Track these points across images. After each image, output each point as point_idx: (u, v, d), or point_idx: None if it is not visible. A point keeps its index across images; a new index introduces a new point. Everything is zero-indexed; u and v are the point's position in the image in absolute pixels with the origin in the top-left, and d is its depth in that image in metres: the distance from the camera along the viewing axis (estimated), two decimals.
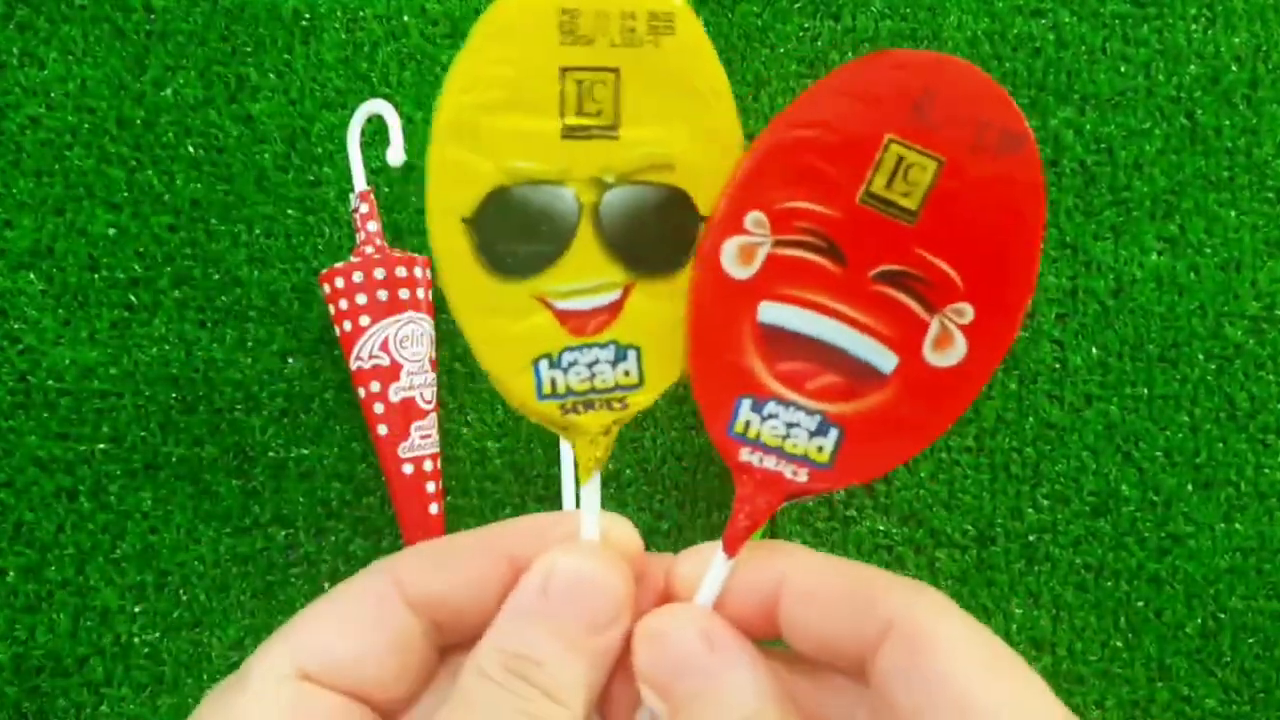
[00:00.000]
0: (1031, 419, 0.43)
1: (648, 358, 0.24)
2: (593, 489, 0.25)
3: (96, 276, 0.43)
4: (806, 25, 0.45)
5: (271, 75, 0.44)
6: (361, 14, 0.45)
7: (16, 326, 0.43)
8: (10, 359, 0.43)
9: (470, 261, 0.23)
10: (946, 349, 0.24)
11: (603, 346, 0.24)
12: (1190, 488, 0.43)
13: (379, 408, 0.39)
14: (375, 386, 0.39)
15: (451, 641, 0.24)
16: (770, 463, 0.24)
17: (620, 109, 0.23)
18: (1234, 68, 0.45)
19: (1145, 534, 0.43)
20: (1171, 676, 0.43)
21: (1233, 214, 0.45)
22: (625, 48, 0.23)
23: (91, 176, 0.43)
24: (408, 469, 0.39)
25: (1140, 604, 0.43)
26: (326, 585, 0.42)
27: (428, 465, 0.40)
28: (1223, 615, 0.43)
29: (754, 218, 0.23)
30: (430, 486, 0.40)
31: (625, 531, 0.25)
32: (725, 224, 0.24)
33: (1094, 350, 0.44)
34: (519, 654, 0.22)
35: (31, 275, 0.43)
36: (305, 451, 0.42)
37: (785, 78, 0.45)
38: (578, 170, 0.23)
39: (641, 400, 0.25)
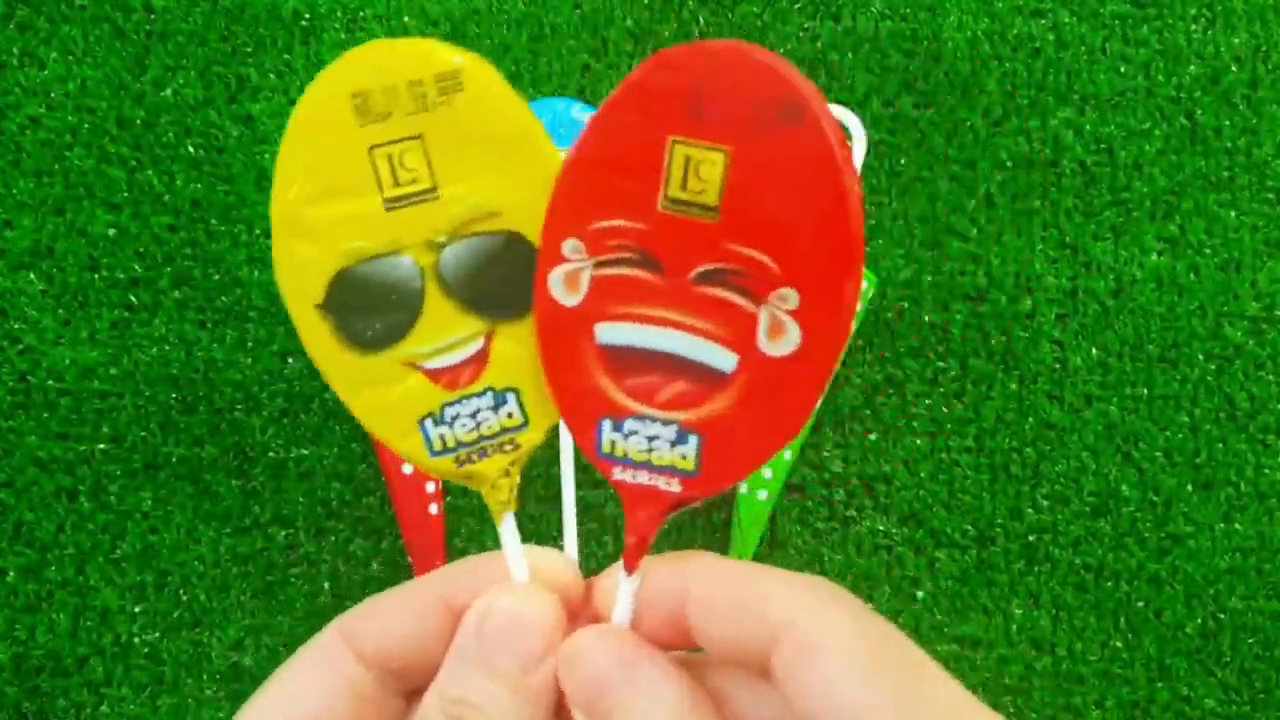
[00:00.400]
0: (1031, 419, 0.43)
1: (527, 396, 0.25)
2: (509, 530, 0.25)
3: (96, 277, 0.43)
4: (807, 26, 0.45)
5: (271, 75, 0.44)
6: (361, 14, 0.45)
7: (16, 326, 0.43)
8: (10, 359, 0.43)
9: (334, 343, 0.24)
10: (780, 338, 0.23)
11: (480, 395, 0.25)
12: (1190, 488, 0.43)
13: None
14: None
15: (416, 686, 0.24)
16: (643, 478, 0.24)
17: (434, 171, 0.24)
18: (1234, 68, 0.45)
19: (1145, 534, 0.43)
20: (1171, 677, 0.43)
21: (1233, 214, 0.45)
22: (421, 113, 0.23)
23: (91, 177, 0.44)
24: (407, 469, 0.39)
25: (1140, 604, 0.43)
26: (326, 585, 0.42)
27: None
28: (1223, 615, 0.43)
29: (571, 244, 0.24)
30: (430, 486, 0.40)
31: (557, 564, 0.25)
32: (546, 256, 0.24)
33: (1094, 351, 0.44)
34: (458, 699, 0.23)
35: (31, 275, 0.43)
36: (305, 452, 0.42)
37: None
38: (409, 237, 0.24)
39: (531, 437, 0.25)
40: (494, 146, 0.24)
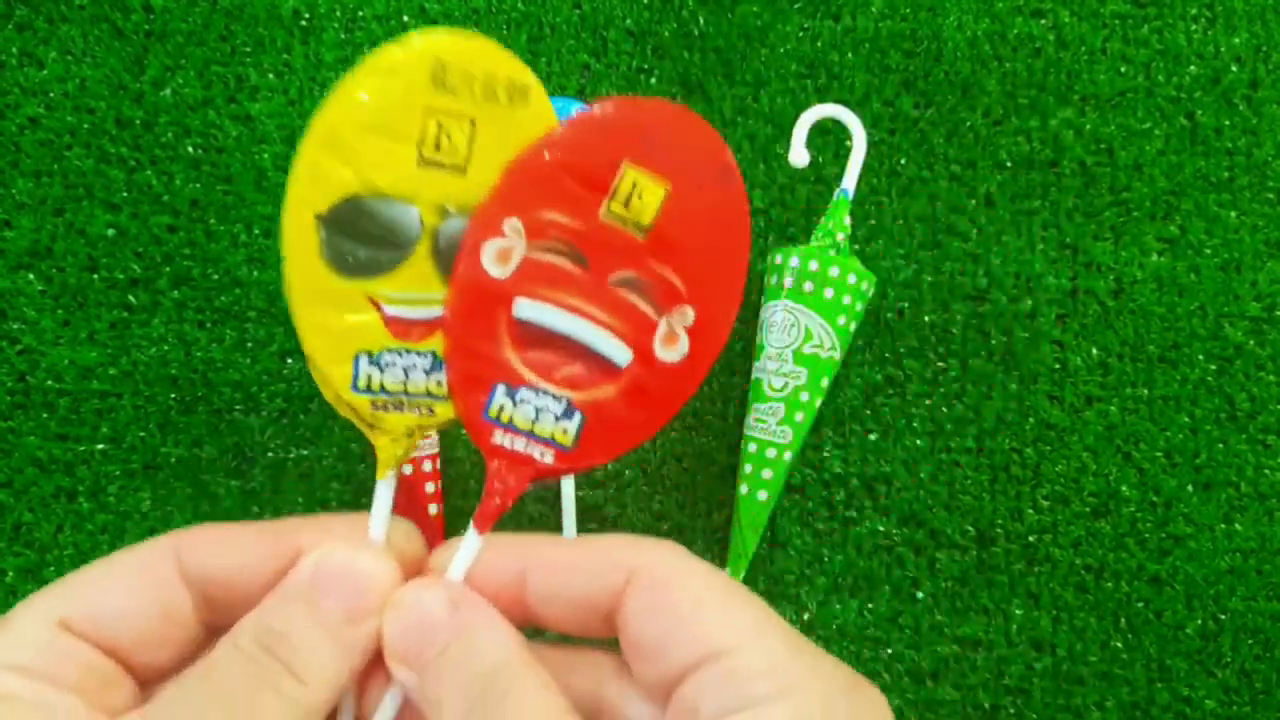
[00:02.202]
0: (1031, 420, 0.43)
1: None
2: (387, 487, 0.27)
3: (96, 277, 0.43)
4: (806, 25, 0.45)
5: (271, 75, 0.44)
6: (360, 14, 0.45)
7: (16, 327, 0.43)
8: (9, 359, 0.43)
9: (315, 255, 0.26)
10: (673, 346, 0.27)
11: (421, 354, 0.27)
12: (1190, 489, 0.43)
13: None
14: None
15: (225, 622, 0.24)
16: (520, 444, 0.27)
17: (472, 153, 0.26)
18: (1234, 68, 0.45)
19: (1145, 535, 0.43)
20: (1171, 677, 0.43)
21: (1233, 215, 0.44)
22: (485, 104, 0.26)
23: (91, 177, 0.43)
24: (407, 469, 0.39)
25: (1140, 605, 0.43)
26: None
27: (427, 466, 0.40)
28: (1223, 616, 0.43)
29: (511, 224, 0.26)
30: (429, 487, 0.40)
31: (411, 536, 0.26)
32: (485, 227, 0.26)
33: (1094, 351, 0.44)
34: (274, 630, 0.23)
35: (31, 275, 0.43)
36: (304, 452, 0.42)
37: (785, 78, 0.45)
38: (426, 195, 0.26)
39: (447, 411, 0.27)
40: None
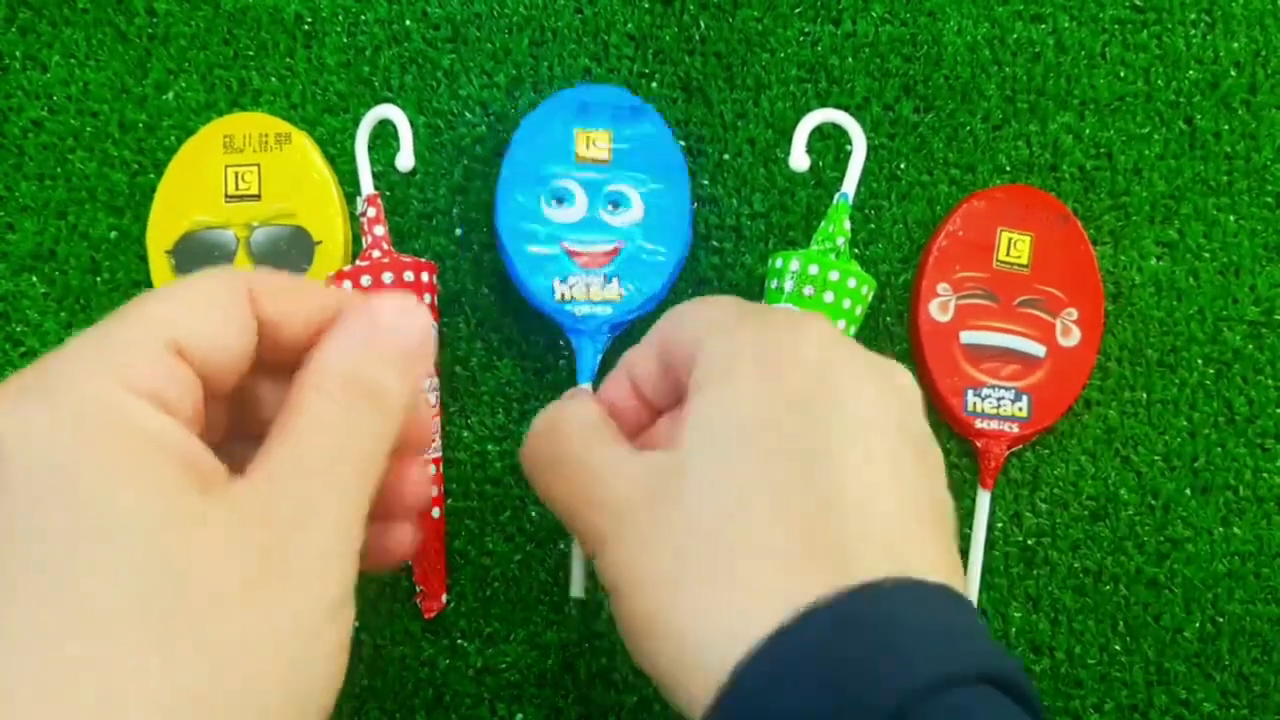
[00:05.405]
0: None
1: None
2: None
3: (98, 279, 0.43)
4: (807, 30, 0.45)
5: (273, 79, 0.44)
6: (363, 18, 0.45)
7: (18, 329, 0.43)
8: (12, 361, 0.43)
9: (171, 277, 0.41)
10: (1070, 336, 0.42)
11: None
12: (1189, 492, 0.43)
13: None
14: None
15: (261, 357, 0.25)
16: (994, 424, 0.41)
17: (262, 185, 0.42)
18: (1233, 73, 0.45)
19: (1144, 538, 0.43)
20: (1170, 680, 0.43)
21: (1231, 219, 0.45)
22: (262, 152, 0.42)
23: (94, 180, 0.44)
24: None
25: (1139, 608, 0.43)
26: None
27: (431, 470, 0.40)
28: (1221, 619, 0.43)
29: (943, 286, 0.42)
30: (432, 490, 0.40)
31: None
32: (927, 293, 0.42)
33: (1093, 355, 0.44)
34: (359, 378, 0.24)
35: (33, 278, 0.43)
36: None
37: (785, 82, 0.45)
38: (235, 220, 0.42)
39: None
40: (300, 177, 0.42)
